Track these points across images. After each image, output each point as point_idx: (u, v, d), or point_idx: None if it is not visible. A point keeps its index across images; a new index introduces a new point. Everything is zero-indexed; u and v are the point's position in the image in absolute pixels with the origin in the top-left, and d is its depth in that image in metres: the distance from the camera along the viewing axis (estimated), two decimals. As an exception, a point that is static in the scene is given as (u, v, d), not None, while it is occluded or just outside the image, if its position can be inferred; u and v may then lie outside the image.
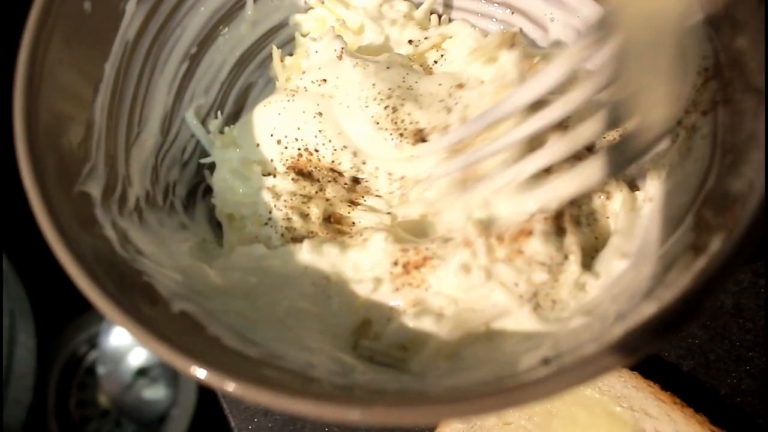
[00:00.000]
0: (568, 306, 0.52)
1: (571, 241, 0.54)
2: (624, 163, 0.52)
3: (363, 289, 0.56)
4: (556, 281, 0.53)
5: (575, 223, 0.56)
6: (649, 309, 0.39)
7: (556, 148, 0.53)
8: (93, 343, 1.25)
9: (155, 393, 1.21)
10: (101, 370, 1.10)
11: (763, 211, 0.39)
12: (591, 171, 0.52)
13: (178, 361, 0.40)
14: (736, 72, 0.50)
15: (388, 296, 0.55)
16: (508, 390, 0.37)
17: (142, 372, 1.23)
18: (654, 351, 0.37)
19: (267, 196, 0.63)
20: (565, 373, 0.37)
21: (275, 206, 0.63)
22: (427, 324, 0.52)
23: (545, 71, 0.51)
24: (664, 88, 0.44)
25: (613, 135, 0.58)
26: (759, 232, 0.38)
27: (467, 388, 0.43)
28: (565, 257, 0.53)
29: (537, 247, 0.53)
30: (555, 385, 0.37)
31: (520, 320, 0.51)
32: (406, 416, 0.37)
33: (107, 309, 0.42)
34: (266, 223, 0.63)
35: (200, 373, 0.39)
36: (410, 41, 0.72)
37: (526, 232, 0.53)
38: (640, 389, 0.64)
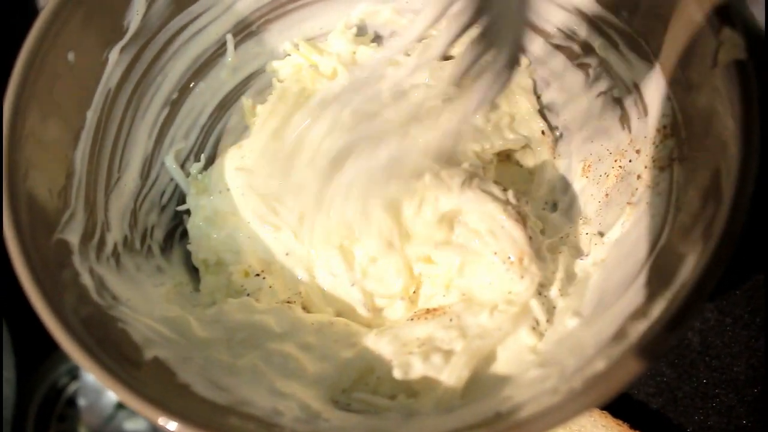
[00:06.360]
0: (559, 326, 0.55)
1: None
2: None
3: (368, 336, 0.57)
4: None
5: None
6: (597, 366, 0.41)
7: None
8: (74, 374, 1.24)
9: (136, 425, 1.20)
10: (82, 401, 1.09)
11: (709, 272, 0.40)
12: None
13: (143, 409, 0.41)
14: (691, 131, 0.52)
15: (392, 338, 0.56)
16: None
17: (123, 404, 1.22)
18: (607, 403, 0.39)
19: (291, 262, 0.63)
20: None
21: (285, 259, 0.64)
22: (436, 362, 0.53)
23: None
24: None
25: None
26: (705, 293, 0.40)
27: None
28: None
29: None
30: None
31: (519, 339, 0.53)
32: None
33: (80, 358, 0.43)
34: (258, 275, 0.64)
35: (163, 421, 0.41)
36: None
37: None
38: (610, 429, 0.65)
